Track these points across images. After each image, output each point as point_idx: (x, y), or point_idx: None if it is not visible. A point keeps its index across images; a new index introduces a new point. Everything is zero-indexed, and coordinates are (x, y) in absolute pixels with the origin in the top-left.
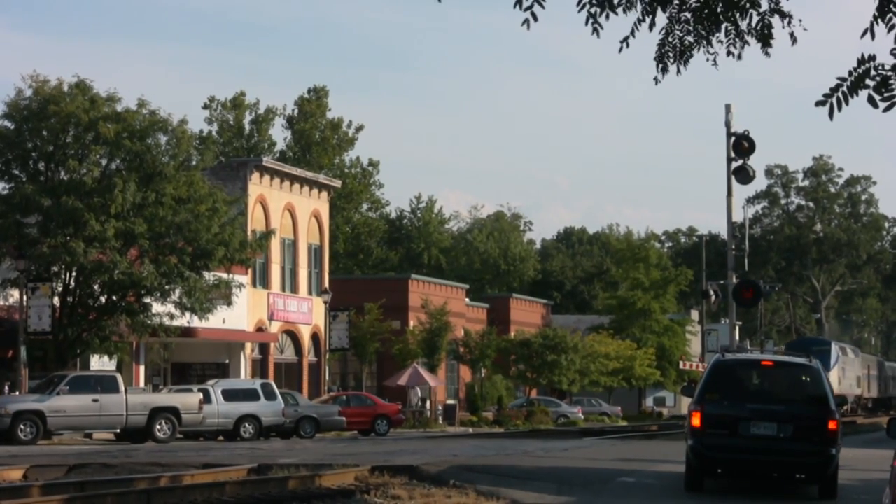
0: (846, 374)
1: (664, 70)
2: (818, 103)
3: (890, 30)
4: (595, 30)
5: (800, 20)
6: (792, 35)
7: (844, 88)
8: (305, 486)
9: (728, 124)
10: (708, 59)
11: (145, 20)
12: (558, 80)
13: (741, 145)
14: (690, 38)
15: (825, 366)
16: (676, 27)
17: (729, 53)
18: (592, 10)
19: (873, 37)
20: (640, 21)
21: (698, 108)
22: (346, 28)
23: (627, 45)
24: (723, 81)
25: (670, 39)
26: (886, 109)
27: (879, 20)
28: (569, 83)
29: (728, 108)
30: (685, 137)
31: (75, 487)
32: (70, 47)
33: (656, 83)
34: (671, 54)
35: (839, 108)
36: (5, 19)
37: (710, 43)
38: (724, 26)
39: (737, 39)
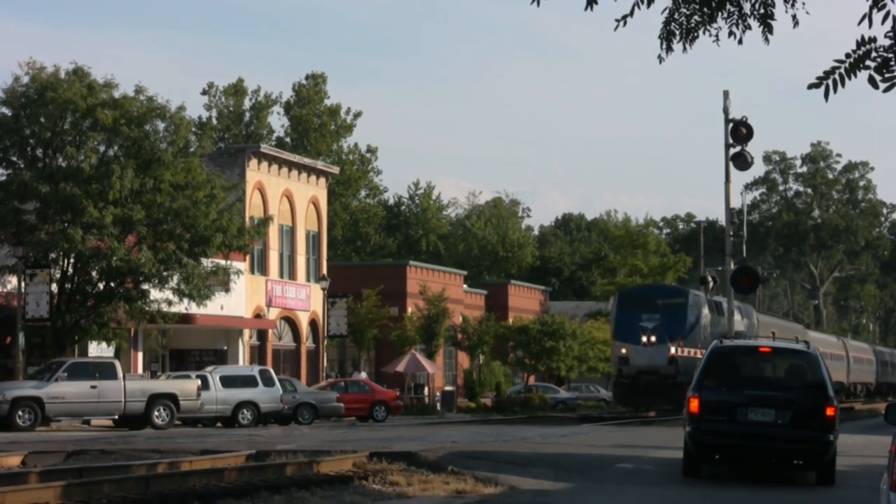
0: (711, 341)
1: (669, 49)
2: (811, 86)
3: (885, 17)
4: (590, 4)
5: (803, 2)
6: (794, 17)
7: (842, 70)
8: (303, 472)
9: (726, 111)
10: (710, 36)
11: (141, 7)
12: (555, 67)
13: (739, 132)
14: (697, 18)
15: (676, 325)
16: (683, 6)
17: (731, 34)
18: None
19: (870, 24)
20: (640, 0)
21: (696, 94)
22: (343, 15)
23: (625, 24)
24: (720, 67)
25: (676, 17)
26: (887, 90)
27: (874, 6)
28: (566, 70)
29: (726, 94)
30: (683, 124)
31: (73, 474)
32: (66, 34)
33: (660, 62)
34: (677, 32)
35: (835, 90)
36: (1, 6)
37: (714, 20)
38: (727, 7)
39: (739, 21)
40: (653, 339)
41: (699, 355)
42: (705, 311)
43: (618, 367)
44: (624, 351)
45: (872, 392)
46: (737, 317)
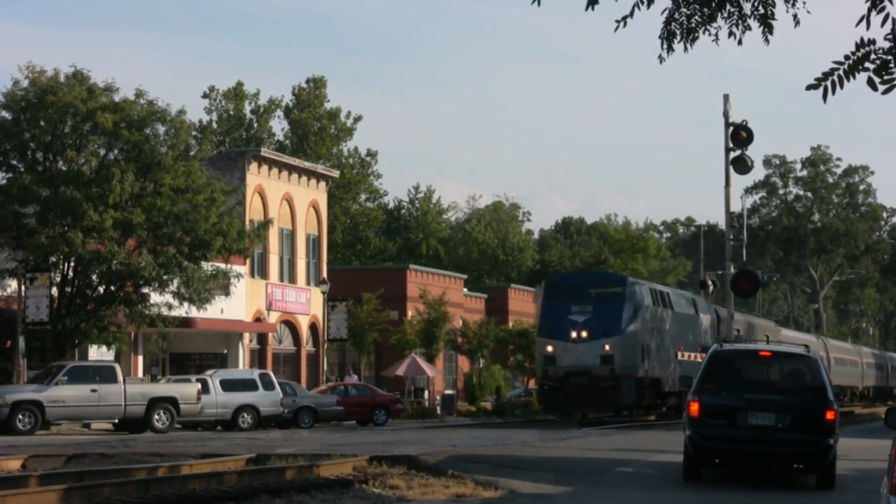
0: (654, 338)
1: (670, 49)
2: (809, 87)
3: (885, 19)
4: (590, 4)
5: (804, 2)
6: (795, 17)
7: (840, 72)
8: (303, 476)
9: (726, 114)
10: (710, 36)
11: (141, 10)
12: (555, 70)
13: (739, 135)
14: (697, 18)
15: (611, 319)
16: (683, 7)
17: (731, 34)
18: None
19: (868, 25)
20: (641, 1)
21: (696, 97)
22: (343, 19)
23: (625, 25)
24: (721, 71)
25: (677, 17)
26: (886, 92)
27: (873, 9)
28: (566, 73)
29: (726, 98)
30: (683, 127)
31: (74, 477)
32: (66, 38)
33: (661, 62)
34: (678, 32)
35: (833, 92)
36: None
37: (714, 20)
38: (727, 7)
39: (739, 21)
40: (584, 334)
41: (639, 354)
42: (647, 302)
43: (543, 367)
44: (550, 349)
45: (859, 396)
46: (689, 310)
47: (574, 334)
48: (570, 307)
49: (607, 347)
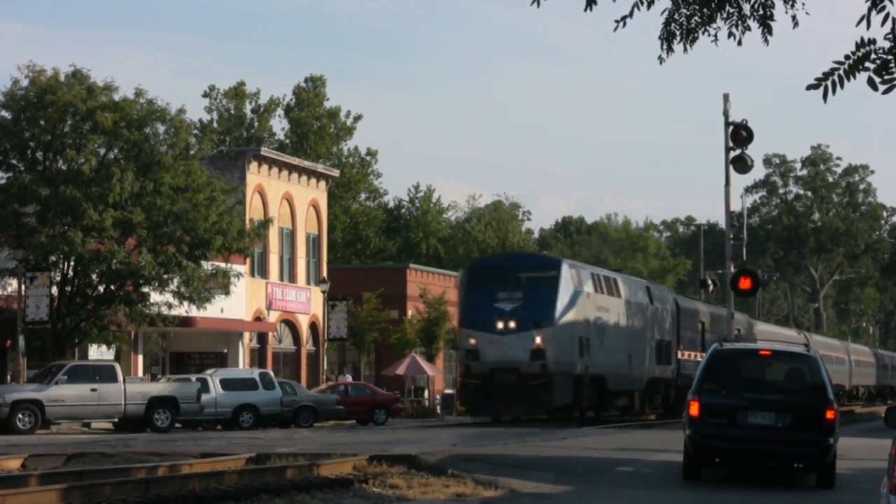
0: (595, 330)
1: (669, 49)
2: (810, 87)
3: (885, 18)
4: (589, 4)
5: (803, 3)
6: (794, 18)
7: (841, 72)
8: (303, 475)
9: (726, 113)
10: (710, 37)
11: (141, 10)
12: (555, 70)
13: (739, 135)
14: (697, 18)
15: (544, 307)
16: (683, 7)
17: (730, 35)
18: None
19: (869, 25)
20: (640, 1)
21: (696, 97)
22: (343, 18)
23: (624, 25)
24: (720, 70)
25: (676, 17)
26: (886, 91)
27: (873, 8)
28: (565, 72)
29: (726, 97)
30: (683, 127)
31: (74, 477)
32: (65, 37)
33: (661, 62)
34: (677, 33)
35: (833, 92)
36: None
37: (713, 20)
38: (726, 7)
39: (739, 22)
40: (511, 325)
41: (576, 348)
42: (587, 288)
43: (465, 362)
44: (473, 341)
45: (846, 395)
46: (642, 299)
47: (500, 325)
48: (497, 294)
49: (538, 340)
